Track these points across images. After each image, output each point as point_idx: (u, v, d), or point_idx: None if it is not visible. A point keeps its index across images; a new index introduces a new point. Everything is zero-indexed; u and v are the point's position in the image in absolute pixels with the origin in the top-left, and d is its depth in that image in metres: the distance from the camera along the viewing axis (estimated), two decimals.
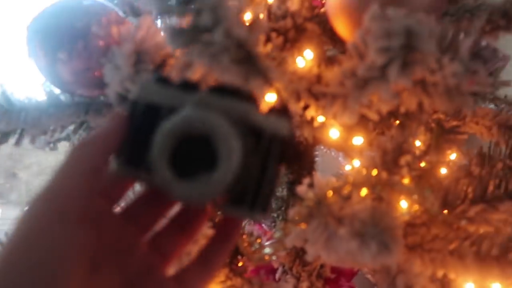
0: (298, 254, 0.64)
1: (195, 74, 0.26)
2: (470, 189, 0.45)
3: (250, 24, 0.26)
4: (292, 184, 0.67)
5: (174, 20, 0.24)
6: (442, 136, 0.55)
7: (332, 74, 0.36)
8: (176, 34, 0.24)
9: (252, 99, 0.25)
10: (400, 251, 0.37)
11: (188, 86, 0.25)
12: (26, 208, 0.23)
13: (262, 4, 0.39)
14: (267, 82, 0.28)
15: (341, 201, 0.35)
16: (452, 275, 0.39)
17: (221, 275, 0.47)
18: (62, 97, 0.44)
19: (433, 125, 0.55)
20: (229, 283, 0.45)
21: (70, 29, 0.40)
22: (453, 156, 0.64)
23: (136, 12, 0.58)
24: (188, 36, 0.24)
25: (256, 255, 0.40)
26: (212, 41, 0.24)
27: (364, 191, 0.35)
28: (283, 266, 0.65)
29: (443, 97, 0.34)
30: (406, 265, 0.38)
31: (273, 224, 0.74)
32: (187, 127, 0.22)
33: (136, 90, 0.25)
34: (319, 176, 0.36)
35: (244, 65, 0.28)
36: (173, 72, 0.28)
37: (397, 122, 0.44)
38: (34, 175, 2.00)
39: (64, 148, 0.55)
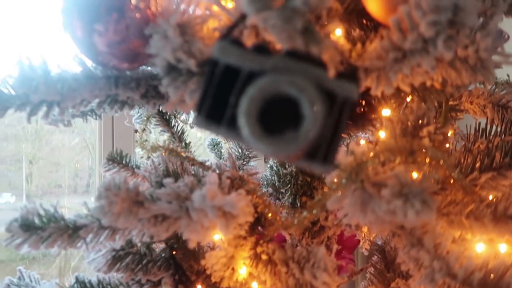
0: (308, 227, 0.67)
1: (268, 38, 0.28)
2: (477, 160, 0.49)
3: None
4: None
5: None
6: (448, 112, 0.59)
7: (369, 49, 0.38)
8: None
9: (323, 64, 0.27)
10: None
11: (263, 50, 0.27)
12: None
13: None
14: (326, 49, 0.30)
15: (377, 166, 0.38)
16: (469, 236, 0.43)
17: (248, 243, 0.49)
18: (94, 70, 0.45)
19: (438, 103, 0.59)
20: (259, 249, 0.47)
21: (109, 1, 0.40)
22: (450, 132, 0.69)
23: None
24: (266, 1, 0.26)
25: (285, 222, 0.43)
26: (287, 6, 0.26)
27: (398, 157, 0.38)
28: (292, 239, 0.68)
29: (469, 71, 0.37)
30: (430, 227, 0.42)
31: (277, 201, 0.76)
32: (275, 90, 0.24)
33: (215, 51, 0.26)
34: (356, 144, 0.39)
35: (307, 34, 0.30)
36: (244, 36, 0.30)
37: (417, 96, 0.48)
38: None
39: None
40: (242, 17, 0.29)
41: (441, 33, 0.31)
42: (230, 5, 0.37)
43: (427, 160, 0.39)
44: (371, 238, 0.76)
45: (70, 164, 1.99)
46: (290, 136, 0.25)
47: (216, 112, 0.27)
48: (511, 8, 0.53)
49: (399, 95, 0.48)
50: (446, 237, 0.40)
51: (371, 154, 0.37)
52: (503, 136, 0.60)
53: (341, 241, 0.75)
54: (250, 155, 0.80)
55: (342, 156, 0.39)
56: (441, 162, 0.38)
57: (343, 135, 0.27)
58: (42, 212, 0.42)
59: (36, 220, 0.42)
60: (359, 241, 0.77)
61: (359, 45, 0.41)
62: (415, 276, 0.39)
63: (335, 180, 0.38)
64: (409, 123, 0.46)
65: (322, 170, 0.27)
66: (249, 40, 0.29)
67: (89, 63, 0.45)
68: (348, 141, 0.57)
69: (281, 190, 0.73)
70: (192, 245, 0.41)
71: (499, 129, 0.59)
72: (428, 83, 0.40)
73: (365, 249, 0.78)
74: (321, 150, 0.26)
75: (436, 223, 0.42)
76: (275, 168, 0.79)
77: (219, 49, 0.27)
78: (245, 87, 0.26)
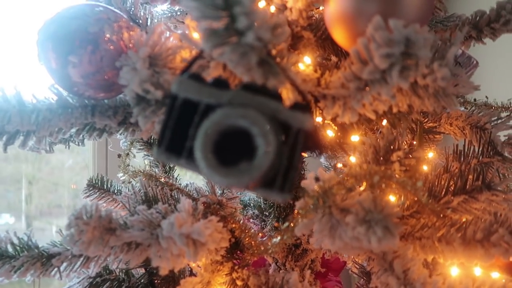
0: (291, 250, 0.67)
1: (225, 72, 0.29)
2: (451, 183, 0.50)
3: (273, 29, 0.29)
4: None
5: (209, 24, 0.26)
6: (423, 136, 0.60)
7: (334, 77, 0.39)
8: (212, 35, 0.26)
9: (278, 96, 0.28)
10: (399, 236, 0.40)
11: (220, 84, 0.28)
12: None
13: (283, 12, 0.42)
14: (284, 82, 0.31)
15: (344, 192, 0.38)
16: (441, 259, 0.43)
17: (225, 268, 0.49)
18: (70, 99, 0.46)
19: (414, 125, 0.60)
20: (234, 275, 0.47)
21: (82, 34, 0.42)
22: (430, 154, 0.70)
23: (133, 19, 0.60)
24: (221, 38, 0.27)
25: (261, 247, 0.43)
26: (243, 43, 0.27)
27: (364, 184, 0.39)
28: (276, 262, 0.68)
29: (431, 98, 0.38)
30: (401, 252, 0.42)
31: (263, 223, 0.76)
32: (229, 122, 0.25)
33: (174, 86, 0.27)
34: (323, 171, 0.39)
35: (264, 66, 0.31)
36: (201, 70, 0.31)
37: (386, 122, 0.48)
38: None
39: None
40: (201, 53, 0.30)
41: (396, 65, 0.32)
42: (196, 35, 0.38)
43: (394, 186, 0.40)
44: (357, 261, 0.76)
45: (70, 184, 1.98)
46: (244, 167, 0.25)
47: (176, 144, 0.28)
48: (479, 33, 0.55)
49: (371, 121, 0.49)
50: (415, 262, 0.40)
51: (337, 180, 0.38)
52: (480, 157, 0.61)
53: (327, 264, 0.75)
54: None
55: (309, 182, 0.39)
56: (408, 187, 0.39)
57: (299, 163, 0.28)
58: (15, 241, 0.42)
59: (10, 249, 0.42)
60: (345, 263, 0.77)
61: (327, 74, 0.42)
62: None
63: (304, 206, 0.39)
64: (380, 148, 0.46)
65: (280, 198, 0.28)
66: (213, 73, 0.30)
67: (65, 93, 0.46)
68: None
69: (265, 212, 0.74)
70: (163, 272, 0.41)
71: (478, 150, 0.60)
72: (395, 110, 0.42)
73: (351, 271, 0.77)
74: (278, 179, 0.27)
75: (407, 247, 0.43)
76: None
77: (178, 84, 0.28)
78: (203, 120, 0.27)
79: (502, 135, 0.66)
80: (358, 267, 0.78)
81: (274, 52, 0.33)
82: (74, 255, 0.43)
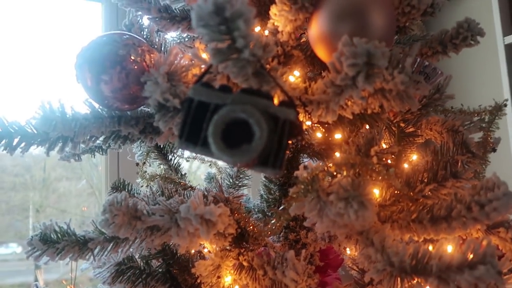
0: (292, 245, 0.75)
1: (229, 82, 0.38)
2: (425, 175, 0.58)
3: (264, 47, 0.38)
4: (283, 186, 0.78)
5: (216, 45, 0.36)
6: (402, 138, 0.69)
7: (316, 85, 0.49)
8: (218, 53, 0.36)
9: (269, 97, 0.37)
10: (374, 214, 0.48)
11: (225, 89, 0.37)
12: None
13: (270, 34, 0.52)
14: (275, 87, 0.41)
15: (329, 179, 0.47)
16: (415, 237, 0.51)
17: (233, 254, 0.57)
18: (101, 111, 0.55)
19: (394, 129, 0.68)
20: (241, 258, 0.55)
21: (112, 56, 0.51)
22: (414, 156, 0.78)
23: (150, 45, 0.70)
24: (225, 55, 0.36)
25: (264, 230, 0.51)
26: (241, 58, 0.36)
27: (344, 171, 0.47)
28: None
29: (397, 100, 0.47)
30: (380, 230, 0.50)
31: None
32: (233, 115, 0.34)
33: (190, 92, 0.36)
34: (310, 162, 0.48)
35: (259, 76, 0.40)
36: (211, 80, 0.40)
37: (366, 124, 0.57)
38: (2, 214, 1.96)
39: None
40: (210, 67, 0.39)
41: (361, 72, 0.41)
42: (204, 55, 0.48)
43: (370, 174, 0.48)
44: (354, 257, 0.83)
45: (77, 211, 2.03)
46: (245, 148, 0.34)
47: (193, 136, 0.37)
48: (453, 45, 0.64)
49: (353, 123, 0.58)
50: (390, 236, 0.48)
51: (322, 168, 0.46)
52: (455, 155, 0.69)
53: (326, 260, 0.82)
54: (239, 184, 0.89)
55: (300, 171, 0.48)
56: (382, 174, 0.47)
57: (287, 146, 0.37)
58: (57, 229, 0.51)
59: (52, 235, 0.50)
60: (343, 260, 0.84)
61: (313, 84, 0.52)
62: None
63: (296, 191, 0.47)
64: (361, 145, 0.55)
65: (272, 173, 0.37)
66: (220, 82, 0.39)
67: (97, 106, 0.55)
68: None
69: (267, 214, 0.82)
70: (182, 251, 0.49)
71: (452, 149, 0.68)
72: (369, 111, 0.50)
73: (349, 267, 0.84)
74: (270, 158, 0.36)
75: (385, 226, 0.50)
76: (264, 196, 0.88)
77: (193, 90, 0.37)
78: (213, 116, 0.36)
79: (476, 137, 0.74)
80: (355, 263, 0.85)
81: (268, 66, 0.42)
82: (106, 240, 0.51)
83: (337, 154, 0.57)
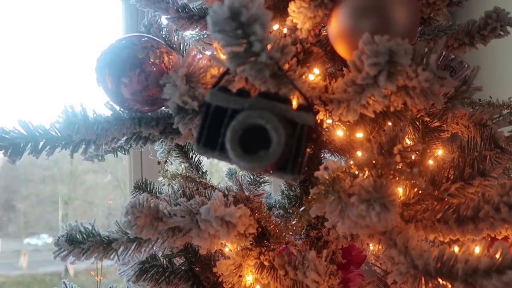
0: (313, 242, 0.74)
1: (247, 84, 0.38)
2: (451, 172, 0.56)
3: (282, 49, 0.37)
4: (304, 183, 0.78)
5: (233, 49, 0.35)
6: (427, 134, 0.67)
7: (337, 84, 0.48)
8: (235, 57, 0.35)
9: (287, 101, 0.36)
10: (397, 214, 0.47)
11: (243, 93, 0.36)
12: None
13: (288, 35, 0.51)
14: (293, 89, 0.40)
15: (351, 180, 0.46)
16: (441, 238, 0.49)
17: (254, 253, 0.57)
18: (122, 113, 0.56)
19: (418, 124, 0.66)
20: (262, 257, 0.55)
21: (132, 59, 0.52)
22: (440, 152, 0.76)
23: (169, 44, 0.71)
24: (242, 59, 0.36)
25: (285, 229, 0.51)
26: (258, 61, 0.36)
27: (367, 171, 0.46)
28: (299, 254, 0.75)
29: (421, 97, 0.46)
30: (403, 231, 0.49)
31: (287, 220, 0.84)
32: (250, 121, 0.34)
33: (208, 97, 0.36)
34: (331, 162, 0.47)
35: (277, 78, 0.39)
36: (228, 84, 0.40)
37: (389, 122, 0.56)
38: (32, 206, 2.04)
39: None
40: (227, 70, 0.39)
41: (383, 71, 0.40)
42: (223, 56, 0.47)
43: (393, 174, 0.47)
44: (377, 253, 0.82)
45: (104, 203, 2.08)
46: (263, 154, 0.34)
47: (211, 141, 0.37)
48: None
49: (375, 121, 0.56)
50: (414, 237, 0.47)
51: (343, 169, 0.45)
52: (483, 150, 0.67)
53: (349, 256, 0.81)
54: (260, 181, 0.88)
55: (321, 172, 0.47)
56: (405, 174, 0.46)
57: (305, 152, 0.36)
58: (82, 229, 0.52)
59: (78, 236, 0.52)
60: (366, 256, 0.83)
61: (333, 83, 0.50)
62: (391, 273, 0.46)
63: (317, 192, 0.46)
64: (384, 144, 0.53)
65: (291, 178, 0.36)
66: (238, 86, 0.39)
67: (118, 108, 0.56)
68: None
69: (289, 211, 0.81)
70: (203, 251, 0.49)
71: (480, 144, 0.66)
72: (392, 109, 0.49)
73: (372, 263, 0.83)
74: (289, 163, 0.35)
75: (409, 227, 0.49)
76: (285, 192, 0.87)
77: (210, 95, 0.37)
78: (231, 121, 0.36)
79: (506, 132, 0.71)
80: (378, 260, 0.84)
81: (286, 67, 0.42)
82: (129, 240, 0.52)
83: (359, 153, 0.56)
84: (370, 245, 0.81)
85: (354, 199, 0.43)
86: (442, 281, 0.41)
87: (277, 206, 0.90)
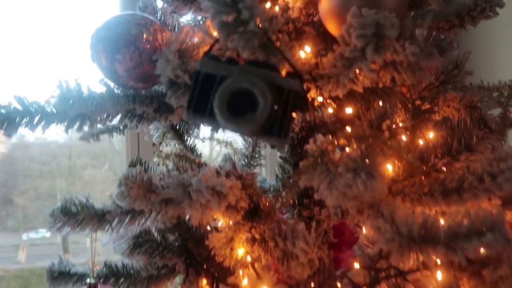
0: (306, 221, 0.76)
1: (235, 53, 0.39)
2: (439, 150, 0.57)
3: (271, 19, 0.38)
4: (297, 165, 0.79)
5: (222, 18, 0.36)
6: (418, 114, 0.68)
7: (327, 59, 0.49)
8: (224, 26, 0.36)
9: (275, 68, 0.37)
10: (385, 186, 0.49)
11: (232, 61, 0.37)
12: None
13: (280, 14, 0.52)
14: (282, 60, 0.41)
15: (338, 152, 0.47)
16: (427, 210, 0.51)
17: (245, 227, 0.59)
18: (116, 90, 0.57)
19: (409, 106, 0.67)
20: (253, 231, 0.56)
21: (126, 36, 0.53)
22: (431, 134, 0.77)
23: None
24: (231, 27, 0.37)
25: (275, 202, 0.52)
26: (247, 30, 0.37)
27: (355, 144, 0.47)
28: None
29: (408, 72, 0.47)
30: (390, 202, 0.50)
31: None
32: (238, 85, 0.35)
33: (197, 65, 0.37)
34: (320, 135, 0.48)
35: (266, 49, 0.40)
36: (218, 52, 0.41)
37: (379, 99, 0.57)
38: (31, 200, 2.04)
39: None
40: (216, 40, 0.40)
41: (370, 43, 0.41)
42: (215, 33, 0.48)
43: (381, 147, 0.48)
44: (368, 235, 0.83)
45: (102, 198, 2.09)
46: (250, 117, 0.35)
47: (200, 107, 0.38)
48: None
49: (367, 98, 0.57)
50: (401, 208, 0.48)
51: (331, 141, 0.47)
52: (472, 130, 0.68)
53: (341, 237, 0.83)
54: (254, 164, 0.90)
55: (310, 145, 0.48)
56: (392, 146, 0.47)
57: (291, 117, 0.37)
58: (77, 202, 0.53)
59: (73, 208, 0.53)
60: (358, 237, 0.84)
61: (324, 59, 0.51)
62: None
63: (306, 164, 0.48)
64: (373, 120, 0.55)
65: (278, 143, 0.37)
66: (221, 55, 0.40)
67: (112, 85, 0.57)
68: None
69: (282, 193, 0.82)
70: (195, 222, 0.51)
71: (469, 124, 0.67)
72: (380, 85, 0.50)
73: (364, 244, 0.85)
74: (275, 127, 0.37)
75: (397, 199, 0.51)
76: (280, 176, 0.88)
77: (200, 63, 0.38)
78: (219, 88, 0.37)
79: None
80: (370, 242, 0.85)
81: (274, 38, 0.43)
82: (123, 212, 0.53)
83: (348, 128, 0.57)
84: (363, 228, 0.83)
85: (341, 168, 0.44)
86: (425, 247, 0.42)
87: (272, 189, 0.92)
